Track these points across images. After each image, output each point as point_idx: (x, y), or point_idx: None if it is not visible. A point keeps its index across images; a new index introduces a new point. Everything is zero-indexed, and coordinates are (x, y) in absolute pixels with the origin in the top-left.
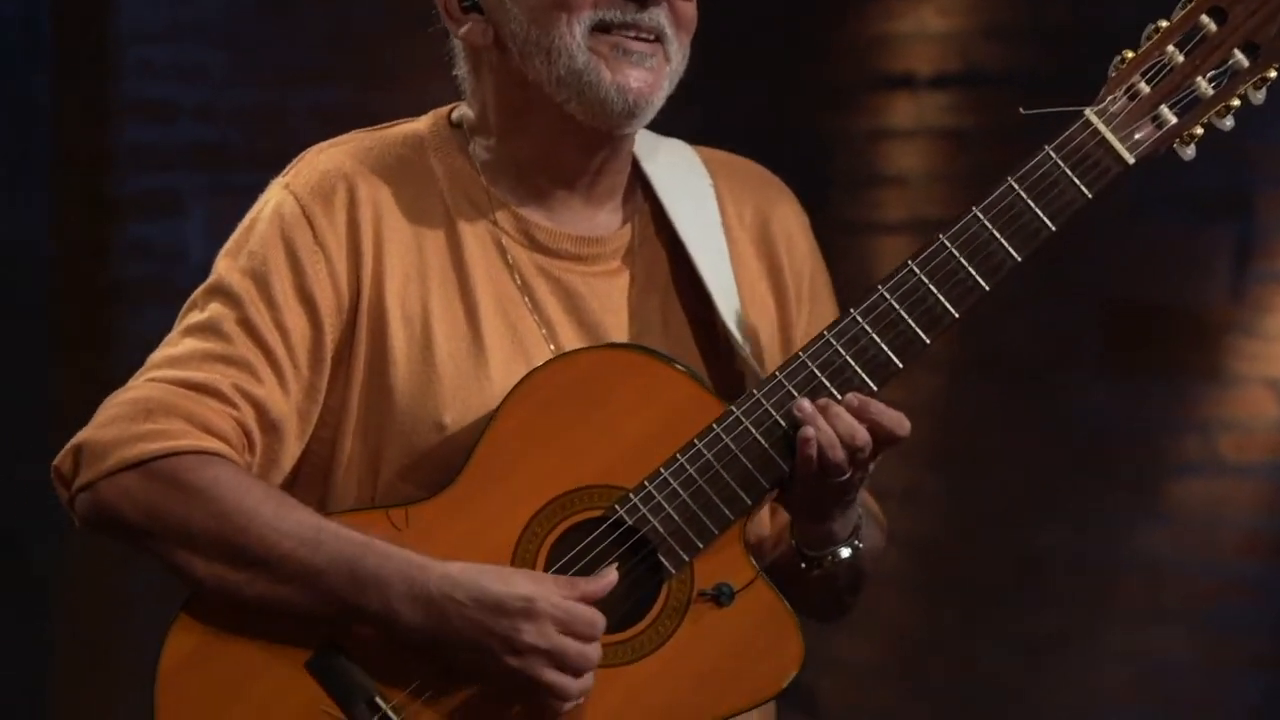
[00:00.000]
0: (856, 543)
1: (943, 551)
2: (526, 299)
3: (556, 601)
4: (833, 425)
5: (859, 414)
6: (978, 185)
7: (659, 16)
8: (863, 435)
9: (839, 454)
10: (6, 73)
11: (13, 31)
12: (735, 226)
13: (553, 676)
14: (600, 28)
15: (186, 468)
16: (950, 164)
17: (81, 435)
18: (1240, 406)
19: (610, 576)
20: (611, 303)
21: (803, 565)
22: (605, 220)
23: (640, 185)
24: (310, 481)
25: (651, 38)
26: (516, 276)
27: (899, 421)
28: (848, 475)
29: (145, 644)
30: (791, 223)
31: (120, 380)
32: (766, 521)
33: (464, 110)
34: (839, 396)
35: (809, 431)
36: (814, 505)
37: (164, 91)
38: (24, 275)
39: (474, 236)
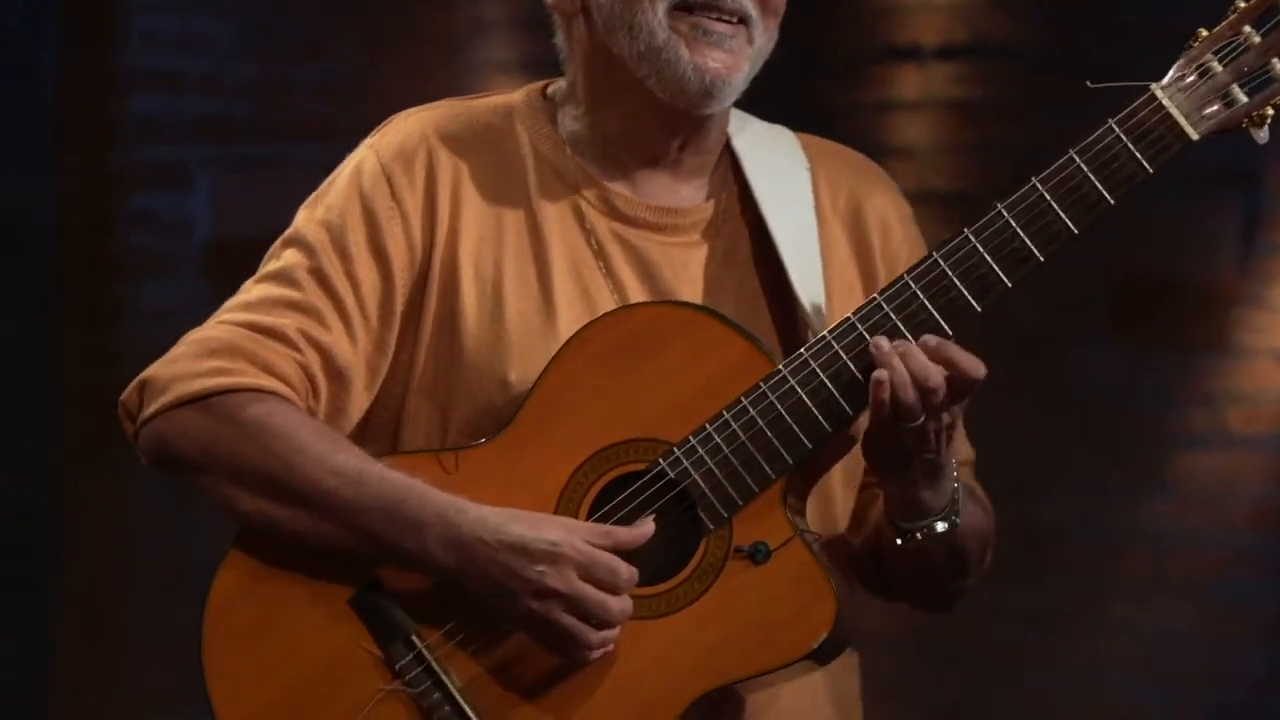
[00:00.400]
0: (954, 518)
1: None
2: (601, 264)
3: (581, 548)
4: (906, 365)
5: (933, 355)
6: (985, 157)
7: None
8: (936, 376)
9: (910, 394)
10: (11, 42)
11: (17, 1)
12: (828, 210)
13: (570, 622)
14: (682, 6)
15: (241, 404)
16: (957, 135)
17: (147, 371)
18: (1247, 379)
19: (646, 527)
20: (688, 273)
21: (897, 540)
22: (689, 194)
23: (731, 165)
24: (379, 436)
25: (734, 19)
26: (593, 242)
27: (974, 364)
28: (920, 421)
29: (147, 624)
30: (889, 210)
31: (125, 353)
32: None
33: (559, 85)
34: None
35: (882, 374)
36: (892, 458)
37: (170, 62)
38: (27, 247)
39: (553, 202)
